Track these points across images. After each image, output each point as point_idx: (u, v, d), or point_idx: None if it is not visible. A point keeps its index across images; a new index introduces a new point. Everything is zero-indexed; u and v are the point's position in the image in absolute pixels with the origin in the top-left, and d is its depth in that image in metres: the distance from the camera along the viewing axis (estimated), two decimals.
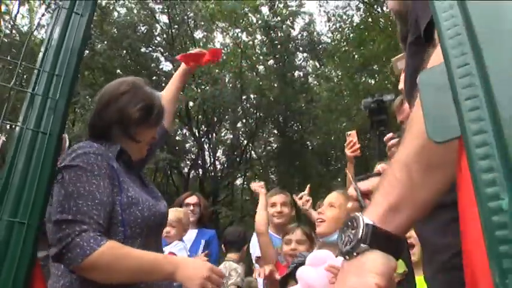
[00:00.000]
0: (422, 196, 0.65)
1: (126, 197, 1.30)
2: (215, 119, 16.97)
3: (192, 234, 3.40)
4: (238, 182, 18.61)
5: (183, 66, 1.91)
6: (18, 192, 1.01)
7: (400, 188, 0.65)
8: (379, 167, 3.77)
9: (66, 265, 1.18)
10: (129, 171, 1.43)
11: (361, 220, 0.65)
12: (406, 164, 0.65)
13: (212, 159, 17.29)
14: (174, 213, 2.92)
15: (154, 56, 14.83)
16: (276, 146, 17.86)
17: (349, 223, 0.67)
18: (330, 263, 1.62)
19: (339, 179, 18.92)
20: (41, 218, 1.02)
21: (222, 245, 3.73)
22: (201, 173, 17.38)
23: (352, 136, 3.09)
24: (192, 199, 3.56)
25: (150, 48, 14.48)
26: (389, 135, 2.27)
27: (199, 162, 17.32)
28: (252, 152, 18.03)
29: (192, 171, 17.81)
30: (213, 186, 16.29)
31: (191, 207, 3.52)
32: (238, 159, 17.38)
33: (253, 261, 3.34)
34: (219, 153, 18.05)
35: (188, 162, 17.75)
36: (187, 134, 17.37)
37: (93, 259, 1.14)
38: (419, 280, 1.48)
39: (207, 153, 17.29)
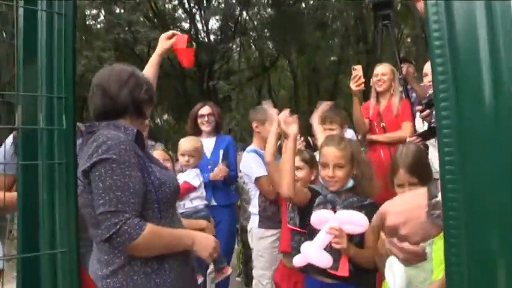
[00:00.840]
0: None
1: (156, 179, 1.54)
2: None
3: (210, 143, 3.57)
4: (235, 53, 18.32)
5: (157, 52, 2.23)
6: None
7: None
8: (377, 69, 3.72)
9: (115, 247, 1.44)
10: (143, 150, 1.63)
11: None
12: None
13: (205, 29, 16.78)
14: (191, 142, 3.04)
15: None
16: (270, 13, 17.16)
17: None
18: (330, 224, 1.76)
19: (335, 40, 18.59)
20: None
21: None
22: (194, 45, 16.98)
23: (357, 71, 3.09)
24: (206, 110, 3.68)
25: None
26: (425, 113, 2.61)
27: (192, 33, 16.81)
28: (247, 21, 17.41)
29: None
30: (208, 58, 16.06)
31: (206, 118, 3.65)
32: (232, 28, 16.85)
33: (244, 181, 3.49)
34: (212, 24, 17.44)
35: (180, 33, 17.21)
36: (177, 5, 16.60)
37: (138, 241, 1.41)
38: None
39: (199, 24, 16.71)
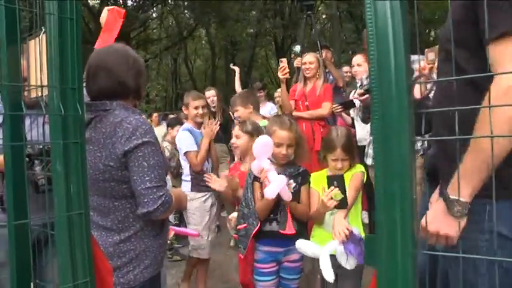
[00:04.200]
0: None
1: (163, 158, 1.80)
2: None
3: None
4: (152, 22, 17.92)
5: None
6: None
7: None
8: (305, 58, 4.18)
9: (156, 216, 1.66)
10: None
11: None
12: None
13: None
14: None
15: None
16: None
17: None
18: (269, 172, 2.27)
19: (253, 12, 18.86)
20: None
21: None
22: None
23: (283, 62, 3.94)
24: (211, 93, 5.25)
25: None
26: (365, 97, 3.27)
27: None
28: None
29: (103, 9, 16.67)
30: (126, 25, 15.61)
31: (210, 99, 5.02)
32: None
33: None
34: None
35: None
36: None
37: (170, 208, 1.69)
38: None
39: None
